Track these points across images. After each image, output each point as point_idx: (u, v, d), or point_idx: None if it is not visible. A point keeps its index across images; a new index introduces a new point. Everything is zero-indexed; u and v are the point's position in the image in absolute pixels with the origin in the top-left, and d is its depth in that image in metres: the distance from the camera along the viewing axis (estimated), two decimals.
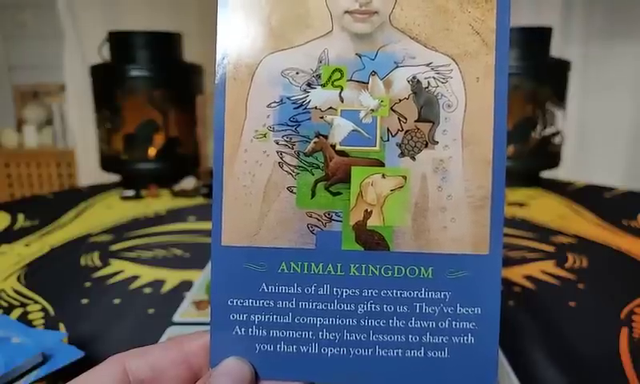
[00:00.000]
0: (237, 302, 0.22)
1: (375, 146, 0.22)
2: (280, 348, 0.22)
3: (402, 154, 0.22)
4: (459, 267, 0.22)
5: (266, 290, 0.22)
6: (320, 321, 0.22)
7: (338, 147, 0.22)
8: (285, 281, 0.22)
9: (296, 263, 0.22)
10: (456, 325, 0.22)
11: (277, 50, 0.22)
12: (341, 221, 0.22)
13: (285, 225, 0.22)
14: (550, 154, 0.99)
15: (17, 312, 0.49)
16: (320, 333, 0.22)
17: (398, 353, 0.22)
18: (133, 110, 0.96)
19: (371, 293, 0.22)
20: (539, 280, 0.57)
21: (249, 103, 0.22)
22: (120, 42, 0.98)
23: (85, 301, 0.51)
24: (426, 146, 0.22)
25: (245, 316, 0.22)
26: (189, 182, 0.97)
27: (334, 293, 0.22)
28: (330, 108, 0.22)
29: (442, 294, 0.22)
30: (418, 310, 0.22)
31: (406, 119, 0.22)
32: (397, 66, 0.21)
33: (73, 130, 1.77)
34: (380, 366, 0.22)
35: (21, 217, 0.80)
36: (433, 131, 0.22)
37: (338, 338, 0.22)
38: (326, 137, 0.22)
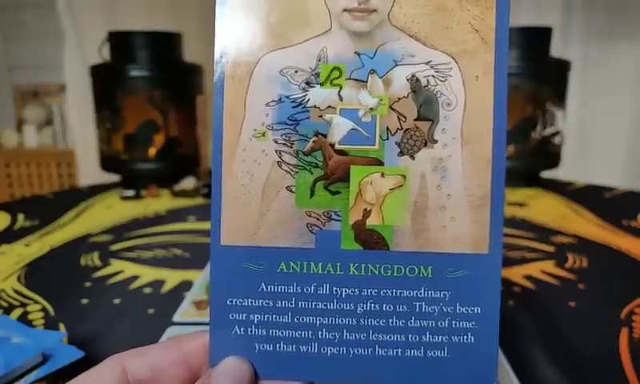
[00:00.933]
0: (236, 302, 0.22)
1: (374, 145, 0.22)
2: (279, 347, 0.22)
3: (402, 153, 0.22)
4: (459, 266, 0.22)
5: (265, 290, 0.22)
6: (319, 320, 0.22)
7: (337, 146, 0.22)
8: (284, 280, 0.22)
9: (295, 263, 0.22)
10: (456, 324, 0.22)
11: (275, 48, 0.22)
12: (340, 220, 0.22)
13: (284, 224, 0.22)
14: (550, 153, 0.99)
15: (17, 312, 0.49)
16: (319, 332, 0.22)
17: (397, 352, 0.22)
18: (133, 110, 0.96)
19: (371, 292, 0.22)
20: (539, 280, 0.57)
21: (247, 102, 0.22)
22: (120, 42, 0.98)
23: (85, 301, 0.51)
24: (426, 144, 0.22)
25: (244, 315, 0.22)
26: (189, 182, 0.97)
27: (334, 292, 0.22)
28: (329, 107, 0.22)
29: (442, 293, 0.22)
30: (417, 310, 0.22)
31: (405, 118, 0.21)
32: (396, 65, 0.21)
33: (73, 129, 1.77)
34: (380, 366, 0.22)
35: (21, 217, 0.80)
36: (432, 130, 0.21)
37: (337, 337, 0.22)
38: (325, 136, 0.22)
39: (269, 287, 0.22)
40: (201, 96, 1.01)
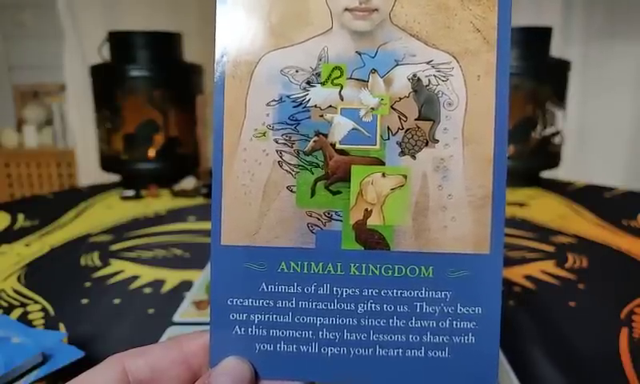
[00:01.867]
0: (236, 302, 0.22)
1: (375, 145, 0.21)
2: (280, 347, 0.22)
3: (403, 153, 0.21)
4: (460, 267, 0.21)
5: (265, 290, 0.22)
6: (320, 320, 0.22)
7: (338, 146, 0.22)
8: (285, 280, 0.22)
9: (296, 263, 0.22)
10: (457, 324, 0.22)
11: (276, 47, 0.22)
12: (341, 220, 0.22)
13: (284, 224, 0.22)
14: (550, 153, 0.99)
15: (17, 312, 0.49)
16: (320, 332, 0.22)
17: (398, 352, 0.22)
18: (133, 110, 0.96)
19: (371, 292, 0.22)
20: (539, 280, 0.57)
21: (248, 101, 0.22)
22: (120, 41, 0.98)
23: (85, 301, 0.51)
24: (427, 144, 0.21)
25: (244, 315, 0.22)
26: (189, 182, 0.97)
27: (334, 292, 0.22)
28: (330, 106, 0.22)
29: (443, 293, 0.22)
30: (418, 310, 0.22)
31: (406, 117, 0.21)
32: (397, 64, 0.21)
33: (73, 129, 1.77)
34: (380, 366, 0.22)
35: (21, 217, 0.80)
36: (433, 130, 0.21)
37: (338, 337, 0.22)
38: (325, 135, 0.22)
39: (269, 287, 0.22)
40: (201, 96, 1.01)
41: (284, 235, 0.22)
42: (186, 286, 0.54)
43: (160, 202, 0.90)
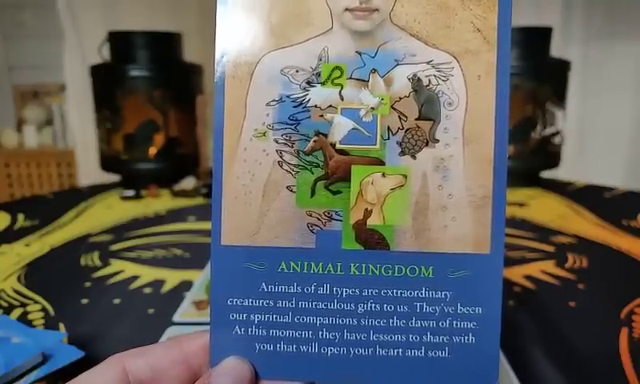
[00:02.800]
0: (237, 302, 0.22)
1: (375, 145, 0.21)
2: (280, 347, 0.22)
3: (403, 153, 0.21)
4: (460, 267, 0.21)
5: (265, 290, 0.22)
6: (320, 320, 0.22)
7: (338, 146, 0.22)
8: (285, 280, 0.22)
9: (296, 262, 0.22)
10: (457, 324, 0.22)
11: (276, 47, 0.22)
12: (341, 220, 0.22)
13: (284, 224, 0.22)
14: (550, 153, 0.99)
15: (17, 312, 0.49)
16: (320, 332, 0.22)
17: (398, 352, 0.22)
18: (133, 110, 0.96)
19: (371, 292, 0.22)
20: (539, 280, 0.57)
21: (248, 101, 0.22)
22: (120, 41, 0.98)
23: (85, 301, 0.51)
24: (427, 144, 0.21)
25: (245, 315, 0.22)
26: (189, 182, 0.97)
27: (334, 292, 0.22)
28: (330, 106, 0.22)
29: (443, 293, 0.22)
30: (418, 310, 0.22)
31: (406, 117, 0.21)
32: (397, 64, 0.21)
33: (73, 129, 1.77)
34: (380, 366, 0.22)
35: (21, 217, 0.80)
36: (433, 129, 0.21)
37: (338, 337, 0.22)
38: (325, 135, 0.22)
39: (269, 287, 0.22)
40: (201, 96, 1.01)
41: (284, 235, 0.22)
42: (186, 285, 0.54)
43: (160, 201, 0.90)
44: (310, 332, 0.22)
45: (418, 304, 0.22)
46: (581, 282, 0.56)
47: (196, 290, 0.53)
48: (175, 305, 0.50)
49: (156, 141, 0.98)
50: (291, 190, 0.22)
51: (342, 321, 0.22)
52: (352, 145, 0.22)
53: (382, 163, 0.21)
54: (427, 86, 0.21)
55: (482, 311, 0.21)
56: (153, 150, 0.98)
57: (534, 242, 0.69)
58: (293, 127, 0.22)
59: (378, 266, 0.22)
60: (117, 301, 0.51)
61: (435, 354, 0.22)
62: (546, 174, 1.03)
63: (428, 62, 0.21)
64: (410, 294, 0.22)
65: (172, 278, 0.57)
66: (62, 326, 0.46)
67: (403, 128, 0.21)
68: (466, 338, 0.22)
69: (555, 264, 0.61)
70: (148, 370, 0.22)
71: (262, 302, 0.22)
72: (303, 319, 0.22)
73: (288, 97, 0.22)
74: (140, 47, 0.96)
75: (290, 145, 0.22)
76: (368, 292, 0.22)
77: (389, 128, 0.21)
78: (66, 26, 1.55)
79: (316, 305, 0.22)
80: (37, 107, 2.15)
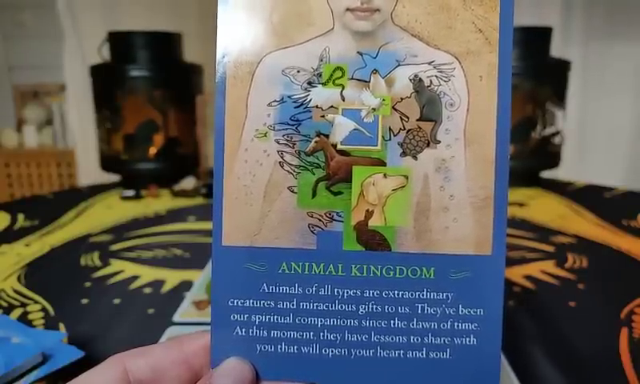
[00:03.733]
0: (237, 303, 0.22)
1: (377, 146, 0.21)
2: (281, 348, 0.22)
3: (404, 154, 0.21)
4: (461, 268, 0.21)
5: (266, 291, 0.22)
6: (321, 321, 0.22)
7: (339, 146, 0.22)
8: (286, 281, 0.22)
9: (297, 263, 0.22)
10: (458, 326, 0.21)
11: (278, 48, 0.22)
12: (342, 221, 0.22)
13: (286, 225, 0.22)
14: (550, 153, 0.99)
15: (17, 312, 0.49)
16: (321, 333, 0.22)
17: (399, 354, 0.22)
18: (133, 110, 0.96)
19: (373, 293, 0.22)
20: (539, 280, 0.57)
21: (249, 102, 0.22)
22: (120, 42, 0.98)
23: (85, 301, 0.51)
24: (428, 145, 0.21)
25: (245, 316, 0.22)
26: (189, 182, 0.97)
27: (335, 293, 0.22)
28: (331, 107, 0.21)
29: (444, 294, 0.22)
30: (419, 311, 0.22)
31: (407, 118, 0.21)
32: (399, 65, 0.21)
33: (73, 129, 1.77)
34: (381, 367, 0.22)
35: (21, 217, 0.80)
36: (435, 130, 0.21)
37: (339, 338, 0.22)
38: (327, 136, 0.21)
39: (270, 288, 0.22)
40: (201, 96, 1.01)
41: (285, 236, 0.22)
42: (186, 286, 0.54)
43: (160, 201, 0.89)
44: (311, 333, 0.22)
45: (420, 305, 0.22)
46: (581, 281, 0.56)
47: (196, 290, 0.53)
48: (175, 305, 0.50)
49: (156, 141, 0.98)
50: (292, 191, 0.22)
51: (343, 322, 0.22)
52: (353, 145, 0.21)
53: (384, 164, 0.21)
54: (429, 86, 0.21)
55: (484, 312, 0.21)
56: (153, 150, 0.97)
57: (533, 242, 0.69)
58: (294, 128, 0.21)
59: (380, 267, 0.22)
60: (117, 301, 0.51)
61: (436, 355, 0.22)
62: (546, 174, 1.03)
63: (429, 63, 0.21)
64: (412, 295, 0.22)
65: (172, 278, 0.57)
66: (62, 325, 0.46)
67: (404, 129, 0.21)
68: (467, 339, 0.22)
69: (555, 264, 0.61)
70: (148, 371, 0.22)
71: (263, 303, 0.22)
72: (304, 320, 0.22)
73: (289, 97, 0.21)
74: (140, 47, 0.96)
75: (291, 145, 0.22)
76: (369, 293, 0.22)
77: (390, 129, 0.21)
78: (66, 26, 1.55)
79: (317, 306, 0.22)
80: (37, 107, 2.15)
